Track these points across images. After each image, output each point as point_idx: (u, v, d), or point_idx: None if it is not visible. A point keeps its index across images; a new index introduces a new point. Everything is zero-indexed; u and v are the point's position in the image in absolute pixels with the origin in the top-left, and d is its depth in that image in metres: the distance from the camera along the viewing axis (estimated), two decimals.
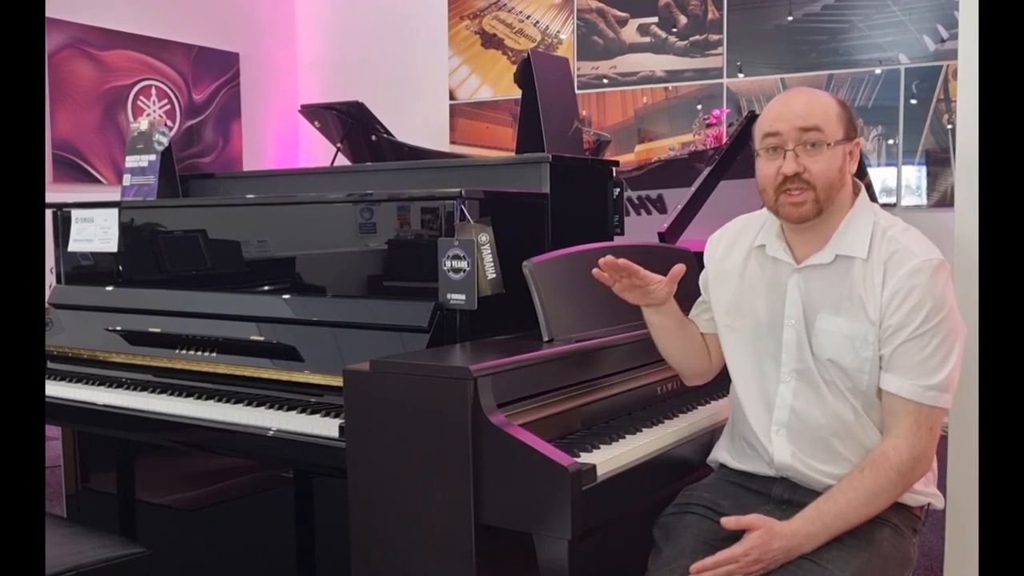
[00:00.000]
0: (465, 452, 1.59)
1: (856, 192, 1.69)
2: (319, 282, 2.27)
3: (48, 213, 2.76)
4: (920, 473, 1.62)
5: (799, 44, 5.05)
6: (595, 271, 1.75)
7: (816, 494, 1.65)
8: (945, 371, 1.57)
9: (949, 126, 4.68)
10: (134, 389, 2.34)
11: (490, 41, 6.05)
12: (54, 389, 2.43)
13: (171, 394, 2.25)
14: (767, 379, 1.73)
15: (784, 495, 1.70)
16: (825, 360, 1.65)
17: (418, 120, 5.95)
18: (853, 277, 1.63)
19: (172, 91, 5.85)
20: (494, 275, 1.97)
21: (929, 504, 1.73)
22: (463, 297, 1.94)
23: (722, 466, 1.85)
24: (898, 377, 1.59)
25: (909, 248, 1.60)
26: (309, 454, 1.91)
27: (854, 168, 1.67)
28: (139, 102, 5.66)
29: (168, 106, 5.83)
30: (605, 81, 5.65)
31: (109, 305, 2.61)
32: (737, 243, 1.82)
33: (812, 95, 1.66)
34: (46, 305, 2.72)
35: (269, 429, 1.97)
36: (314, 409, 1.99)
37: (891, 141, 4.87)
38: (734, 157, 3.08)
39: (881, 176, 4.89)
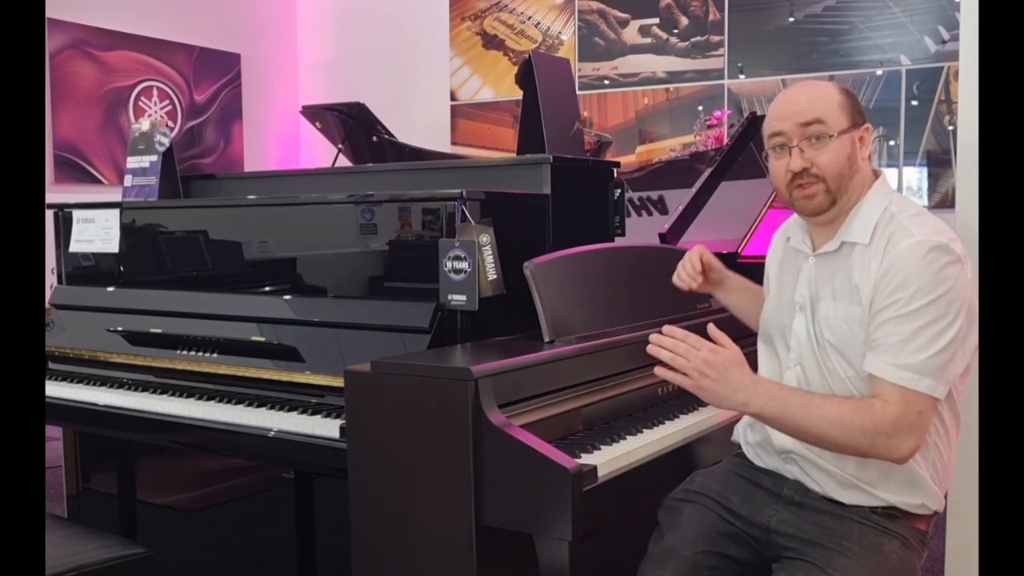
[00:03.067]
0: (466, 453, 1.59)
1: (876, 177, 1.69)
2: (320, 283, 2.27)
3: (49, 214, 2.77)
4: (897, 447, 1.52)
5: (800, 45, 5.05)
6: (682, 282, 1.95)
7: (826, 500, 1.65)
8: (925, 355, 1.51)
9: (950, 127, 4.68)
10: (135, 390, 2.34)
11: (491, 42, 6.06)
12: (55, 389, 2.43)
13: (172, 395, 2.25)
14: (779, 364, 1.76)
15: (795, 497, 1.69)
16: (827, 345, 1.64)
17: (419, 121, 5.95)
18: (852, 263, 1.62)
19: (173, 92, 5.85)
20: (495, 276, 1.97)
21: (934, 515, 1.71)
22: (464, 298, 1.95)
23: (738, 455, 1.84)
24: (875, 356, 1.55)
25: (908, 229, 1.58)
26: (310, 455, 1.91)
27: (866, 153, 1.66)
28: (140, 103, 5.66)
29: (169, 107, 5.83)
30: (606, 82, 5.65)
31: (110, 306, 2.61)
32: (778, 238, 1.88)
33: (812, 88, 1.67)
34: (47, 305, 2.72)
35: (270, 430, 1.97)
36: (315, 410, 1.99)
37: (892, 142, 4.87)
38: (735, 158, 3.09)
39: None
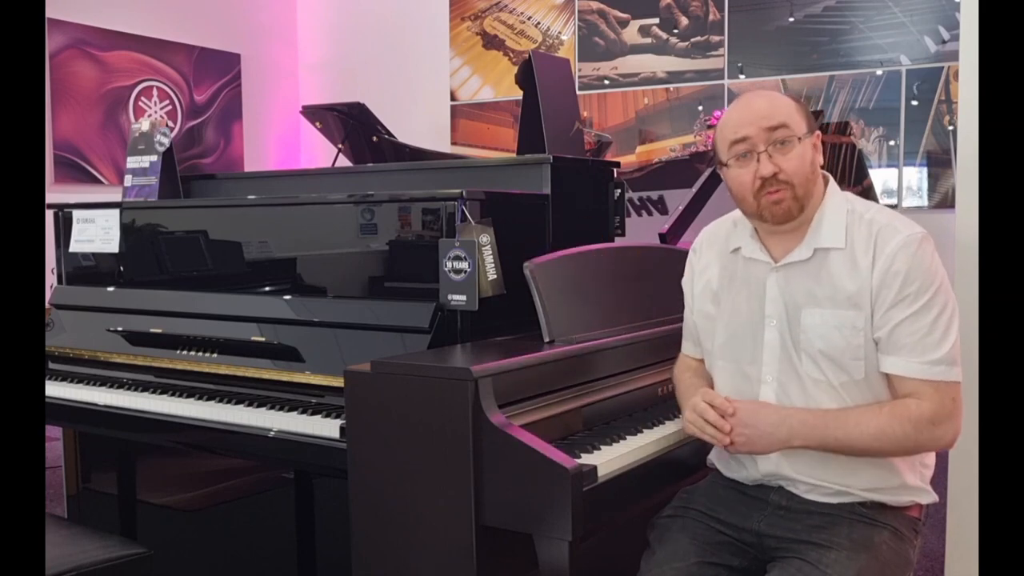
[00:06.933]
0: (466, 453, 1.59)
1: (825, 183, 1.69)
2: (320, 283, 2.27)
3: (49, 214, 2.77)
4: (941, 436, 1.56)
5: (800, 45, 5.05)
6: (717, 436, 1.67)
7: (813, 503, 1.65)
8: (947, 345, 1.55)
9: (950, 127, 4.68)
10: (135, 390, 2.35)
11: (491, 42, 6.06)
12: (55, 390, 2.43)
13: (172, 395, 2.25)
14: (749, 382, 1.71)
15: (782, 502, 1.69)
16: (816, 353, 1.62)
17: (419, 121, 5.95)
18: (834, 267, 1.62)
19: (173, 92, 5.85)
20: (495, 276, 1.97)
21: (928, 506, 1.72)
22: (464, 298, 1.95)
23: (718, 471, 1.84)
24: (902, 358, 1.56)
25: (892, 224, 1.60)
26: (310, 455, 1.91)
27: (820, 160, 1.67)
28: (140, 103, 5.66)
29: (169, 107, 5.83)
30: (606, 82, 5.65)
31: (110, 306, 2.61)
32: (710, 252, 1.82)
33: (768, 94, 1.67)
34: (47, 306, 2.72)
35: (270, 430, 1.97)
36: (315, 410, 1.99)
37: (892, 142, 4.87)
38: None
39: (882, 177, 4.89)
